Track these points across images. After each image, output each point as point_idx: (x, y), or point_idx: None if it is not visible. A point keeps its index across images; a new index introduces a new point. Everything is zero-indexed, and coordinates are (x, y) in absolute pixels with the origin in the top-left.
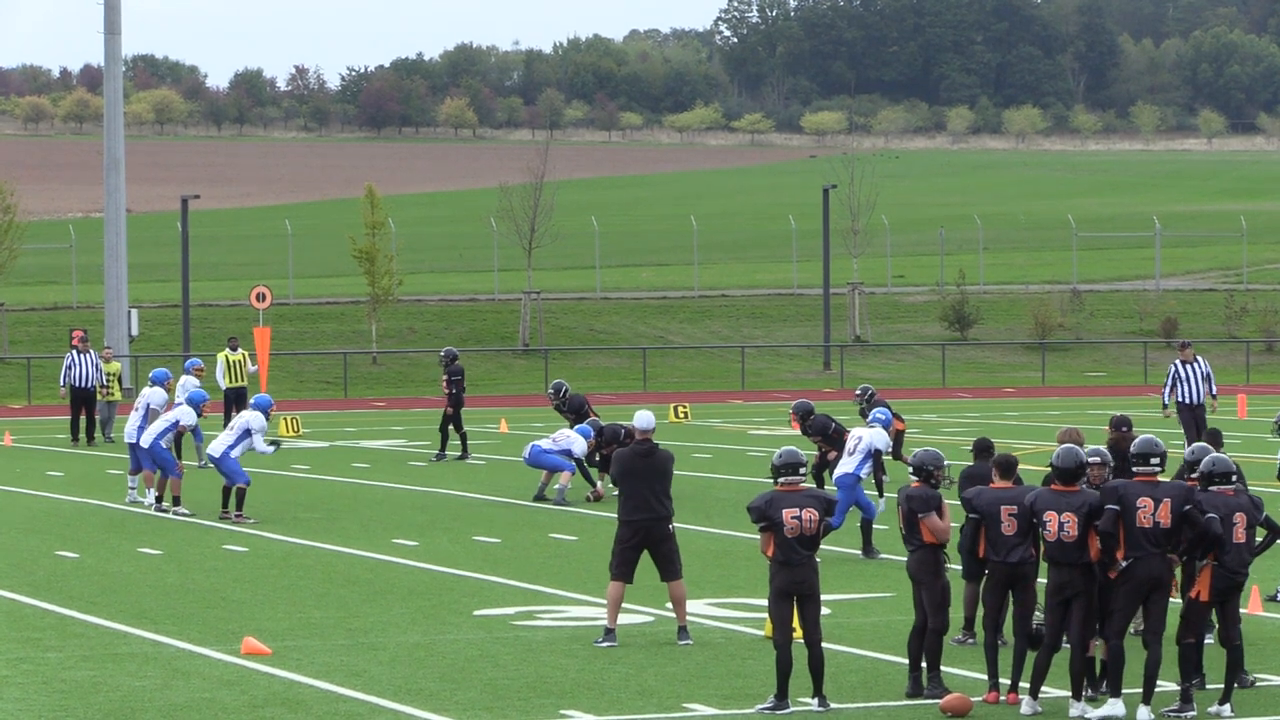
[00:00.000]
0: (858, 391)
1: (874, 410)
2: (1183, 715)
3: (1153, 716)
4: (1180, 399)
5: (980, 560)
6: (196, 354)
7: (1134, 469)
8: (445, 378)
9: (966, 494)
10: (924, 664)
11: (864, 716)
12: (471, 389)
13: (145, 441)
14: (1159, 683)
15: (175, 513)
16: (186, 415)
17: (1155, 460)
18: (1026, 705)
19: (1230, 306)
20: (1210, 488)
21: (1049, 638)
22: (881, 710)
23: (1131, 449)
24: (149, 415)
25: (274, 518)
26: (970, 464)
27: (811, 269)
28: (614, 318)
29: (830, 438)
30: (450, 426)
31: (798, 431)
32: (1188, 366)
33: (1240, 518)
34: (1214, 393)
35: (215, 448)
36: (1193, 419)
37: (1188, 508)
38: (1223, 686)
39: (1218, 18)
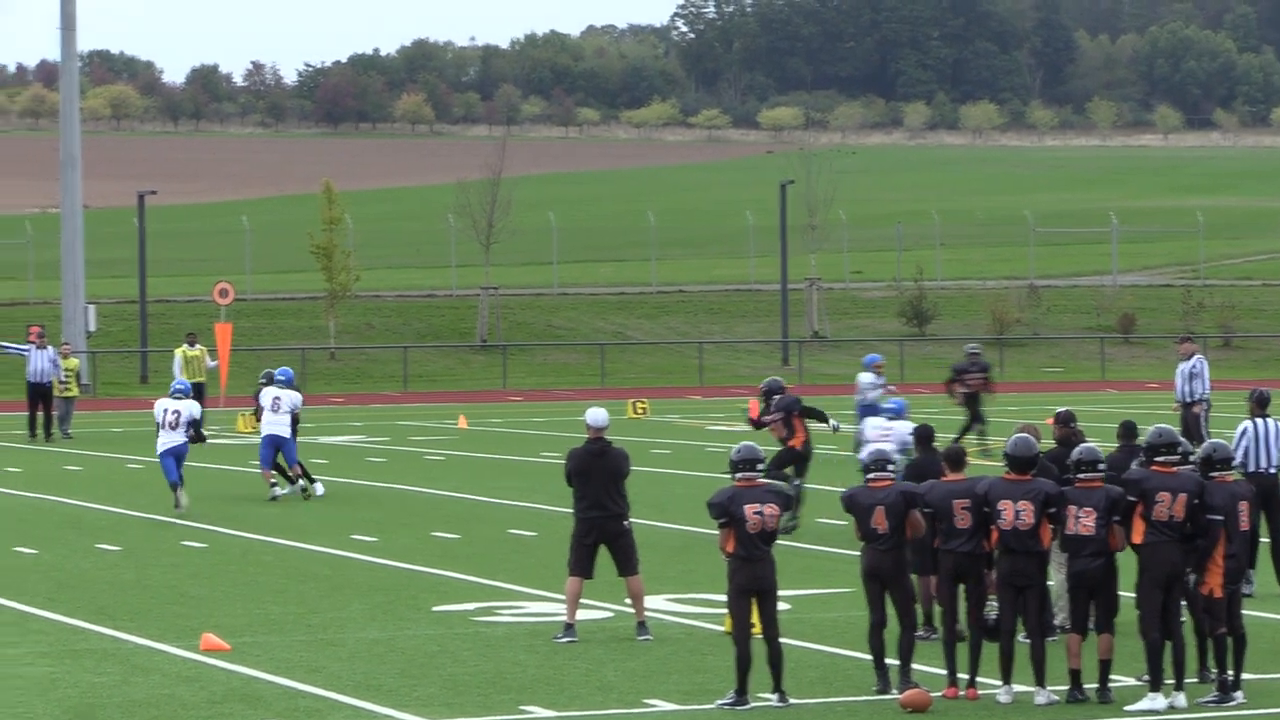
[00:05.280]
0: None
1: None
2: (1224, 704)
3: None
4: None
5: (934, 553)
6: (154, 349)
7: (1156, 459)
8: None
9: (919, 488)
10: (888, 660)
11: (824, 711)
12: (429, 385)
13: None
14: (1115, 677)
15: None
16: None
17: (1178, 450)
18: (1004, 694)
19: (1187, 302)
20: (1211, 474)
21: (1005, 624)
22: (841, 705)
23: (1149, 439)
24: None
25: (231, 513)
26: (915, 455)
27: (769, 265)
28: (572, 313)
29: (788, 420)
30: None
31: (753, 428)
32: (1182, 363)
33: (1244, 505)
34: (1199, 393)
35: (283, 431)
36: (1182, 418)
37: (1197, 502)
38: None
39: (1173, 13)
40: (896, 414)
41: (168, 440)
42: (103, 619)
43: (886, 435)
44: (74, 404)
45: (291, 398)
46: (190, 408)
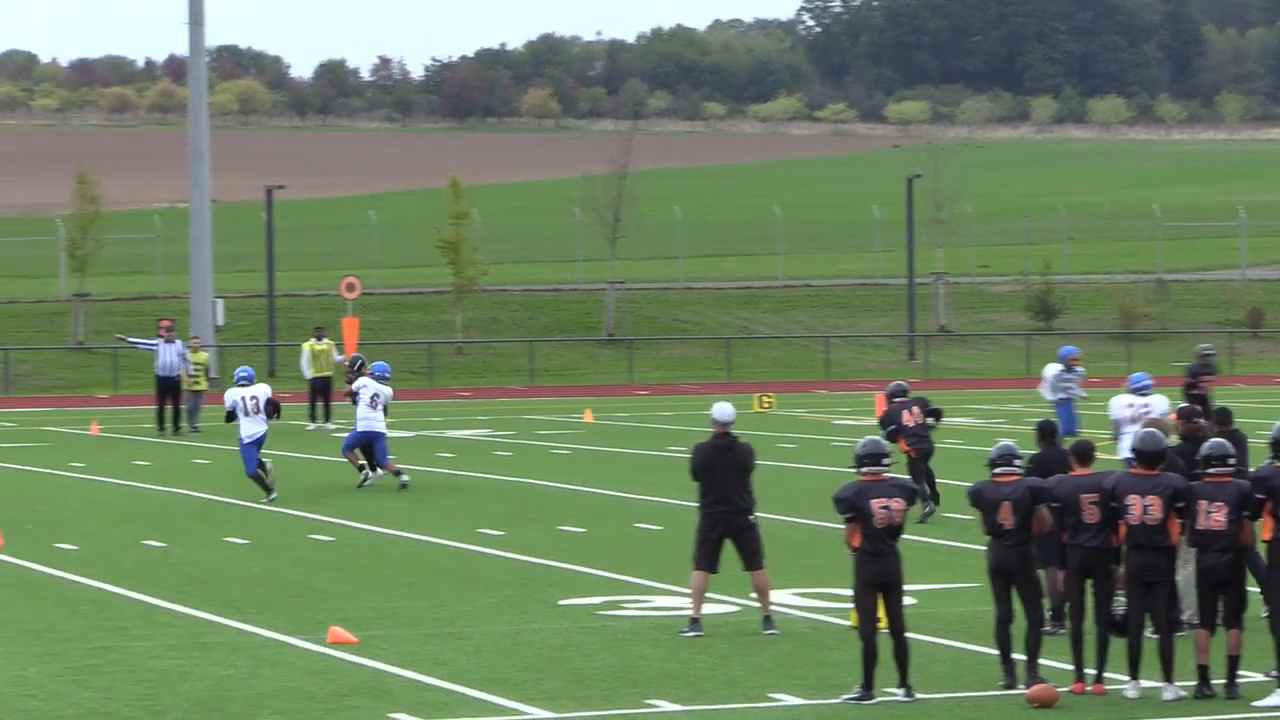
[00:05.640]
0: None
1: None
2: None
3: None
4: None
5: (1061, 548)
6: (282, 343)
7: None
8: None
9: (1046, 483)
10: (1014, 655)
11: (950, 707)
12: (555, 379)
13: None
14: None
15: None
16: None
17: None
18: (1132, 689)
19: None
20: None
21: (1133, 619)
22: (968, 700)
23: (1275, 434)
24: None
25: (359, 507)
26: (1037, 450)
27: (896, 259)
28: (698, 308)
29: (890, 434)
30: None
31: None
32: None
33: None
34: None
35: (380, 426)
36: None
37: None
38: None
39: None
40: (1146, 388)
41: (252, 428)
42: (231, 612)
43: (1145, 411)
44: (202, 397)
45: (386, 393)
46: (263, 390)
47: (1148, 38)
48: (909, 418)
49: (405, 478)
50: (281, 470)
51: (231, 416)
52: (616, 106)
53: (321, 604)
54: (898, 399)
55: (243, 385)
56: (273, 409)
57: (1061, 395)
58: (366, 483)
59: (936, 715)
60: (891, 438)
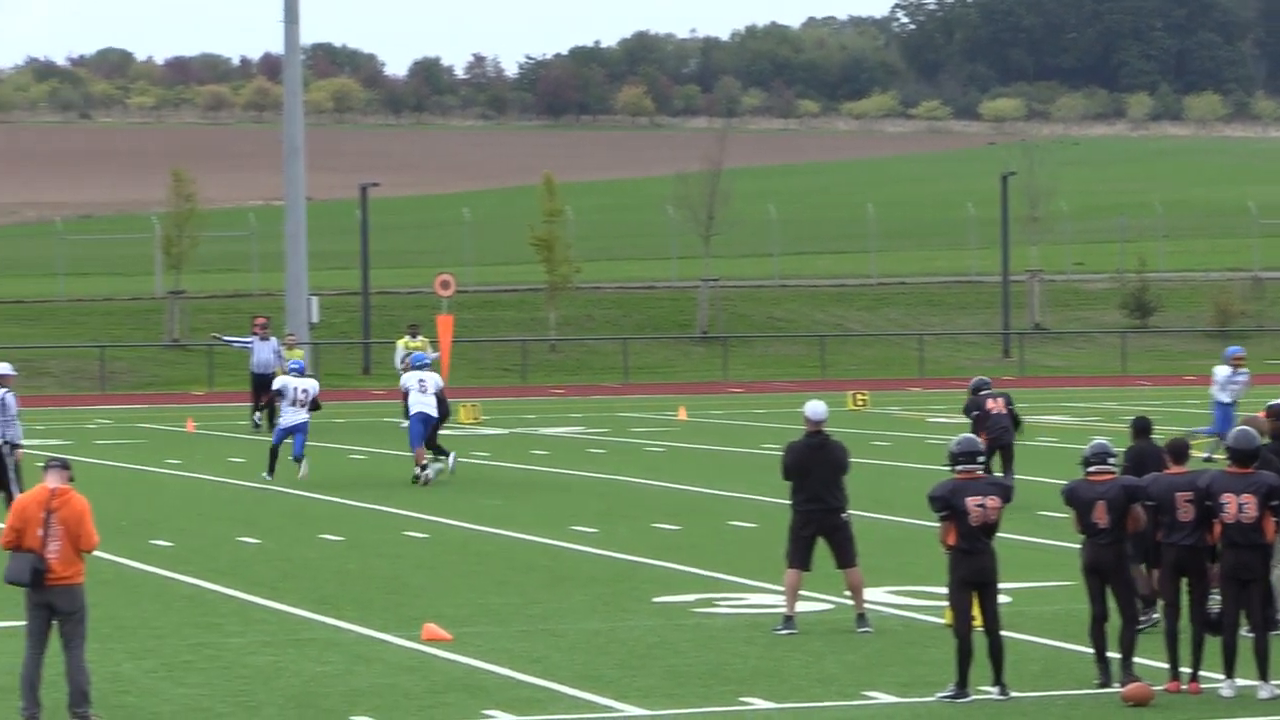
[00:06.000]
0: None
1: None
2: None
3: None
4: None
5: (1156, 546)
6: (376, 340)
7: None
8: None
9: (1140, 482)
10: (1109, 654)
11: (1045, 705)
12: (649, 376)
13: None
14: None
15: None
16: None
17: None
18: (1227, 688)
19: None
20: None
21: (1228, 618)
22: (1062, 699)
23: None
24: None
25: (454, 504)
26: (1131, 445)
27: (990, 256)
28: (792, 305)
29: (974, 418)
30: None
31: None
32: None
33: None
34: None
35: (430, 410)
36: None
37: None
38: None
39: None
40: None
41: (295, 417)
42: (325, 609)
43: None
44: None
45: (435, 379)
46: (314, 385)
47: (1243, 35)
48: (993, 405)
49: (429, 472)
50: (377, 466)
51: (279, 396)
52: (710, 104)
53: (415, 601)
54: (982, 393)
55: (298, 375)
56: (314, 405)
57: (1230, 397)
58: (425, 475)
59: (1031, 714)
60: (974, 427)
